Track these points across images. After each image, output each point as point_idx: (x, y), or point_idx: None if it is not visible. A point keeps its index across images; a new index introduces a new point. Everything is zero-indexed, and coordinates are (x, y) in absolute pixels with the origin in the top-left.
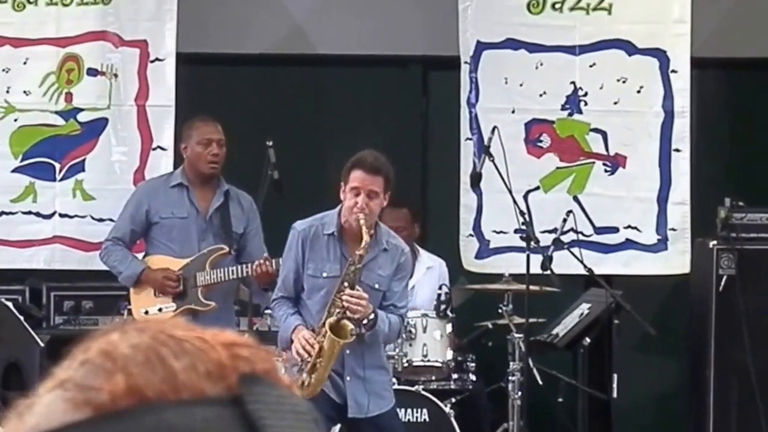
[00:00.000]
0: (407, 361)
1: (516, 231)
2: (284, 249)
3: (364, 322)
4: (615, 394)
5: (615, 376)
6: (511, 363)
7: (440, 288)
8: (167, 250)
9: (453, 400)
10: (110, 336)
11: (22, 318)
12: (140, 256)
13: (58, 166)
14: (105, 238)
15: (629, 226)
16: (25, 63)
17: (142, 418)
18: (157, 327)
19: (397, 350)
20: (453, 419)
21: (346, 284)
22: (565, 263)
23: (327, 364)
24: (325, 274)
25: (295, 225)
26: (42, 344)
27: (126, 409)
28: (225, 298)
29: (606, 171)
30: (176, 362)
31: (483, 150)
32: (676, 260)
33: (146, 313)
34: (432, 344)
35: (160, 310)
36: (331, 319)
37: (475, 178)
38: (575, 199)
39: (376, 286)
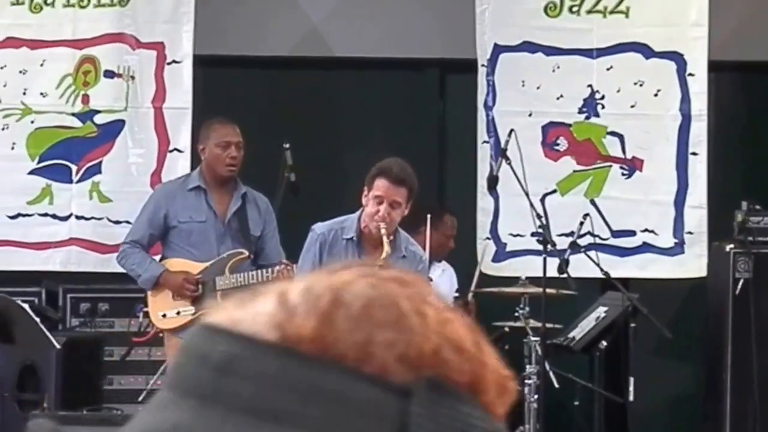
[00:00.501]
0: None
1: (533, 234)
2: (302, 250)
3: None
4: (631, 398)
5: (631, 379)
6: (528, 366)
7: (457, 293)
8: (186, 254)
9: None
10: (347, 276)
11: (38, 320)
12: (157, 258)
13: (74, 168)
14: (122, 240)
15: (646, 230)
16: (42, 65)
17: (308, 370)
18: (396, 290)
19: None
20: None
21: None
22: (581, 266)
23: None
24: None
25: (315, 227)
26: (58, 346)
27: (302, 354)
28: None
29: (623, 174)
30: (381, 332)
31: (500, 153)
32: (693, 264)
33: (164, 316)
34: None
35: (178, 313)
36: None
37: (492, 182)
38: (592, 202)
39: None
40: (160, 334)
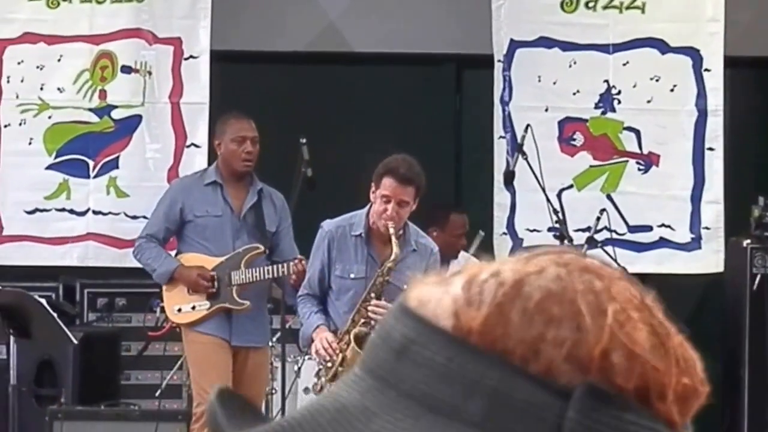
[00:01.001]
0: None
1: (550, 229)
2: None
3: None
4: None
5: None
6: None
7: None
8: (201, 249)
9: None
10: (539, 263)
11: (55, 315)
12: (172, 253)
13: (92, 163)
14: (138, 235)
15: (663, 225)
16: (59, 60)
17: (474, 364)
18: (583, 282)
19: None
20: None
21: (372, 294)
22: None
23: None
24: (352, 275)
25: (323, 224)
26: (75, 341)
27: (472, 345)
28: (258, 297)
29: (639, 169)
30: (553, 329)
31: (516, 148)
32: (710, 259)
33: (179, 310)
34: None
35: (193, 307)
36: (356, 330)
37: (509, 177)
38: (609, 197)
39: (405, 287)
40: (177, 329)
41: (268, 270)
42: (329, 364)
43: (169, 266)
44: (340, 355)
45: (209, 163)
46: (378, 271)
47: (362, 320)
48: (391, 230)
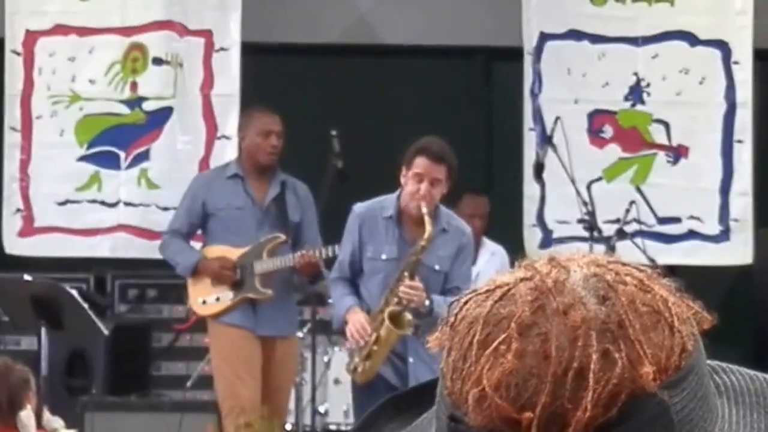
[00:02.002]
0: None
1: (579, 221)
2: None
3: (420, 309)
4: None
5: None
6: None
7: None
8: (226, 241)
9: None
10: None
11: (86, 306)
12: (198, 247)
13: (123, 154)
14: (164, 231)
15: (692, 217)
16: (90, 52)
17: None
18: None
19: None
20: None
21: (406, 273)
22: (628, 253)
23: (383, 352)
24: (384, 257)
25: (354, 207)
26: (106, 332)
27: None
28: (283, 287)
29: (668, 162)
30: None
31: (546, 140)
32: (739, 250)
33: (203, 302)
34: None
35: (217, 299)
36: (390, 309)
37: (539, 169)
38: (638, 189)
39: (437, 267)
40: (203, 320)
41: (290, 258)
42: (362, 343)
43: (191, 259)
44: (374, 334)
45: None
46: (411, 250)
47: (395, 299)
48: (424, 210)
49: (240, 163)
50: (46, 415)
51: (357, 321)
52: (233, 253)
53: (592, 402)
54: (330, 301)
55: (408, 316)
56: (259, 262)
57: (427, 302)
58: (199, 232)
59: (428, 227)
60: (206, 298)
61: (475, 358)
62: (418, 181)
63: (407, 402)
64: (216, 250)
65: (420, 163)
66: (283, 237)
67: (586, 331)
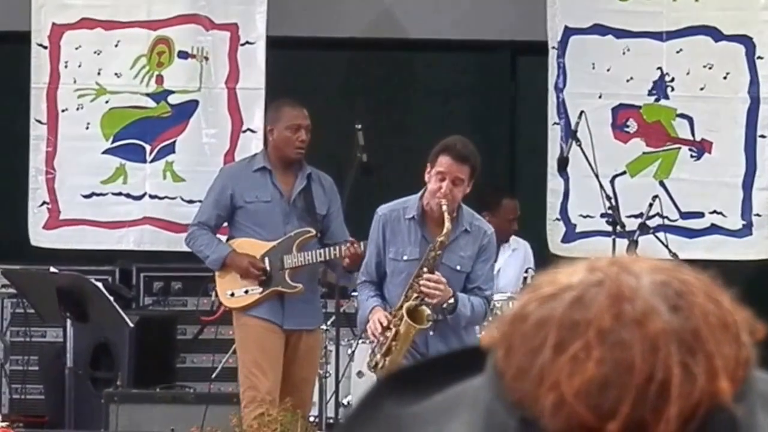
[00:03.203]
0: None
1: (602, 215)
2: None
3: (444, 306)
4: None
5: None
6: None
7: (526, 271)
8: (253, 234)
9: None
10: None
11: (112, 298)
12: (224, 239)
13: (148, 147)
14: (190, 222)
15: (714, 211)
16: (116, 45)
17: None
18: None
19: (483, 333)
20: None
21: (425, 269)
22: (650, 248)
23: (402, 347)
24: (405, 258)
25: (378, 210)
26: (131, 325)
27: None
28: (310, 280)
29: (692, 156)
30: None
31: (570, 135)
32: (761, 245)
33: (232, 295)
34: None
35: (246, 291)
36: (408, 304)
37: (563, 163)
38: (661, 184)
39: (458, 267)
40: (229, 313)
41: (320, 253)
42: (382, 339)
43: (221, 252)
44: (394, 330)
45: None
46: (430, 246)
47: (414, 295)
48: (444, 207)
49: (267, 155)
50: None
51: (376, 319)
52: (261, 246)
53: (675, 415)
54: (354, 293)
55: (426, 310)
56: (290, 257)
57: (451, 300)
58: (225, 224)
59: (447, 223)
60: (235, 290)
61: (550, 362)
62: (441, 179)
63: (406, 378)
64: (244, 244)
65: (443, 162)
66: (313, 232)
67: (665, 342)
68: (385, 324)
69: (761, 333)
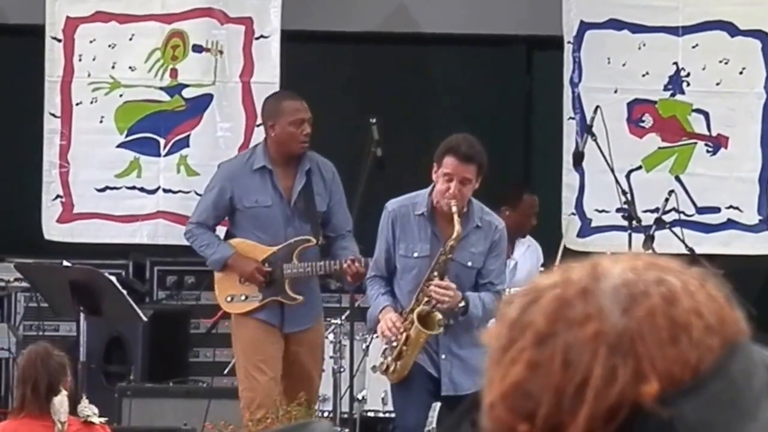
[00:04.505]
0: None
1: (618, 210)
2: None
3: (455, 309)
4: None
5: None
6: None
7: (542, 267)
8: (253, 237)
9: None
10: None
11: (125, 292)
12: (222, 235)
13: (162, 141)
14: (188, 219)
15: (731, 207)
16: (130, 39)
17: None
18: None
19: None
20: None
21: (435, 273)
22: (666, 243)
23: (413, 352)
24: (416, 254)
25: (387, 205)
26: (145, 319)
27: None
28: (310, 281)
29: (708, 151)
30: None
31: (586, 129)
32: None
33: (231, 299)
34: None
35: (245, 298)
36: (419, 309)
37: (578, 157)
38: (677, 179)
39: (469, 263)
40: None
41: (320, 266)
42: (394, 344)
43: (223, 253)
44: (404, 334)
45: None
46: (441, 249)
47: (425, 299)
48: (454, 209)
49: (267, 151)
50: (83, 402)
51: (388, 320)
52: (262, 251)
53: (587, 417)
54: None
55: (438, 315)
56: (289, 266)
57: (461, 304)
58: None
59: (457, 226)
60: (234, 295)
61: (495, 363)
62: (448, 180)
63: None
64: (243, 246)
65: (449, 163)
66: (313, 241)
67: (596, 345)
68: (399, 326)
69: (743, 331)
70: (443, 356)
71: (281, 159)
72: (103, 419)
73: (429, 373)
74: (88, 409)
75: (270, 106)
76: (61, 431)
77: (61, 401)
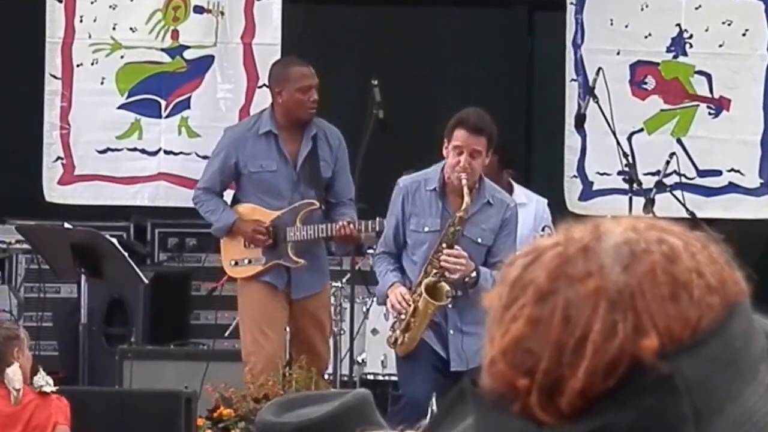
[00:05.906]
0: None
1: (619, 173)
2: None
3: (466, 280)
4: None
5: None
6: None
7: (543, 229)
8: (258, 201)
9: None
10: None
11: (126, 254)
12: (230, 195)
13: (164, 103)
14: (195, 186)
15: (732, 170)
16: (131, 0)
17: None
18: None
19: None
20: None
21: (444, 244)
22: (667, 206)
23: (421, 324)
24: (426, 229)
25: (399, 181)
26: (146, 281)
27: None
28: (315, 248)
29: (710, 114)
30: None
31: (588, 91)
32: None
33: (235, 264)
34: None
35: (249, 262)
36: (427, 280)
37: (580, 120)
38: (679, 141)
39: (479, 240)
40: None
41: (322, 228)
42: (402, 316)
43: (227, 220)
44: (412, 306)
45: None
46: (449, 221)
47: (434, 270)
48: (464, 181)
49: (273, 116)
50: (40, 373)
51: (398, 293)
52: (266, 215)
53: (587, 371)
54: (369, 251)
55: (445, 287)
56: (293, 229)
57: (473, 273)
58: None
59: (466, 198)
60: (238, 260)
61: (498, 321)
62: (458, 153)
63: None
64: (249, 210)
65: (459, 136)
66: (316, 204)
67: (596, 301)
68: (408, 299)
69: (743, 293)
70: (451, 332)
71: (288, 124)
72: (55, 388)
73: (435, 351)
74: (42, 379)
75: (277, 71)
76: (16, 398)
77: (14, 371)
